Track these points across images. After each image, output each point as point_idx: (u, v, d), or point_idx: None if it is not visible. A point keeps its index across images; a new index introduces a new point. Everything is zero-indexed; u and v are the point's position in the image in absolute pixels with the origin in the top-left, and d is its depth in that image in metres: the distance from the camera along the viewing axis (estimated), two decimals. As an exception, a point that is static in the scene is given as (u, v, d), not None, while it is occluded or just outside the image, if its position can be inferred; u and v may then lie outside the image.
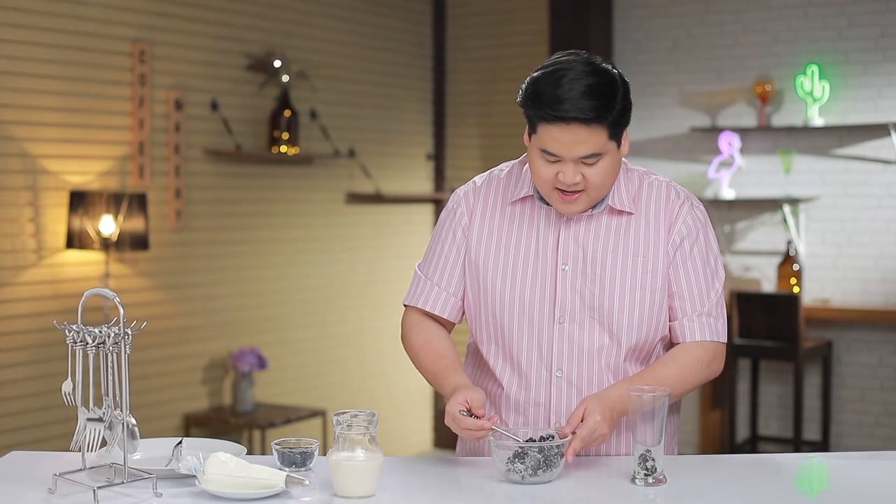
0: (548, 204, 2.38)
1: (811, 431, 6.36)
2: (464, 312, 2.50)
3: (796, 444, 5.99)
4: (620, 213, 2.37)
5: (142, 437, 2.30)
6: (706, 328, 2.38)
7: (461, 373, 2.36)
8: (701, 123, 6.63)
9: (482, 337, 2.45)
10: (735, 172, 6.52)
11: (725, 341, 2.42)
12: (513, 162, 2.50)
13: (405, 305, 2.53)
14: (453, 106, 7.31)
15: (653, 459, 2.11)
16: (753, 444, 6.42)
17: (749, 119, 6.52)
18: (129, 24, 5.23)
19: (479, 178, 2.51)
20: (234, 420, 5.50)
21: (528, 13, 6.98)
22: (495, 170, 2.51)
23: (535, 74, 2.28)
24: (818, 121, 6.24)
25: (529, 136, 2.31)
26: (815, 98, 6.23)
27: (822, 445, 6.20)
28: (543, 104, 2.22)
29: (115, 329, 2.04)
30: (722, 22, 6.57)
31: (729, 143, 6.45)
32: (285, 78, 5.87)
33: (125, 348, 2.03)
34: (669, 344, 2.46)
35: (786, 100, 6.41)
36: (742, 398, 6.53)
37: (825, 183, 6.35)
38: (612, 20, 6.80)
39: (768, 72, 6.45)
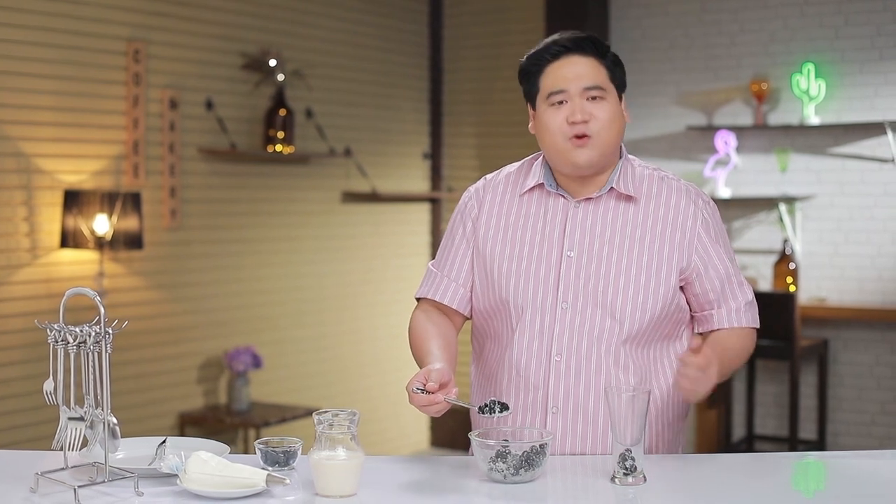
0: (557, 189, 2.44)
1: (808, 430, 6.36)
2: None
3: (792, 443, 5.98)
4: (628, 199, 2.43)
5: (136, 436, 2.31)
6: (749, 315, 2.47)
7: (439, 354, 2.37)
8: (697, 122, 6.62)
9: (487, 322, 2.50)
10: (731, 171, 6.51)
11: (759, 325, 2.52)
12: (524, 159, 2.57)
13: (417, 300, 2.60)
14: (450, 105, 7.30)
15: (632, 458, 2.11)
16: (750, 443, 6.41)
17: (745, 118, 6.51)
18: (124, 24, 5.23)
19: (490, 175, 2.60)
20: (229, 419, 5.50)
21: (525, 12, 6.98)
22: (506, 167, 2.59)
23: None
24: (814, 119, 6.23)
25: (534, 107, 2.45)
26: (811, 97, 6.22)
27: (819, 444, 6.19)
28: (542, 49, 2.42)
29: (97, 328, 2.04)
30: (719, 21, 6.57)
31: (725, 142, 6.44)
32: (280, 77, 5.86)
33: (106, 347, 2.03)
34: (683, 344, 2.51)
35: (782, 98, 6.40)
36: (738, 397, 6.52)
37: (821, 182, 6.34)
38: (608, 20, 6.79)
39: (764, 70, 6.44)
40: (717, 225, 2.47)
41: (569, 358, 2.38)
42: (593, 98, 2.37)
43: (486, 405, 2.23)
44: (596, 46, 2.40)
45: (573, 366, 2.38)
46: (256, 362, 5.65)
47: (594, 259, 2.39)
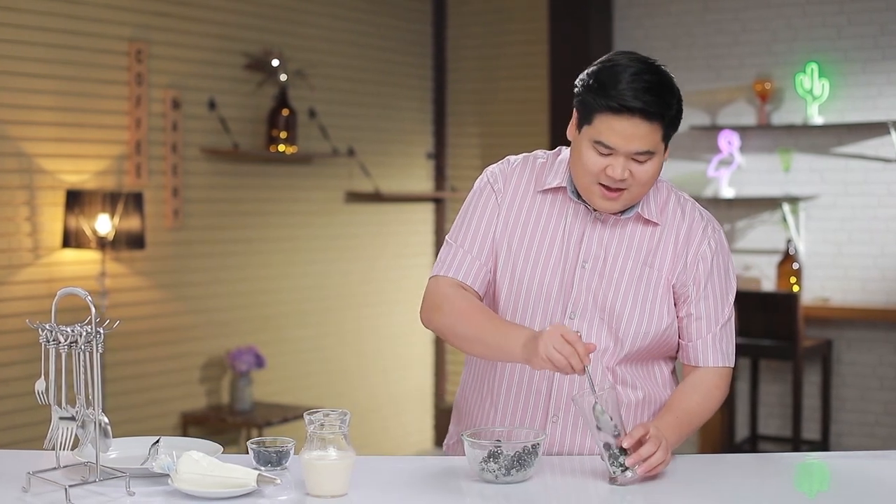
0: (579, 198, 2.37)
1: (811, 431, 6.35)
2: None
3: (796, 443, 5.97)
4: (647, 222, 2.39)
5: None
6: (719, 353, 2.41)
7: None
8: (700, 122, 6.62)
9: None
10: (735, 171, 6.51)
11: (734, 364, 2.45)
12: (548, 152, 2.50)
13: (433, 276, 2.45)
14: (453, 105, 7.30)
15: (625, 454, 2.11)
16: (753, 444, 6.40)
17: (749, 117, 6.50)
18: (126, 24, 5.24)
19: (513, 158, 2.51)
20: (231, 419, 5.50)
21: (528, 12, 6.98)
22: (531, 155, 2.50)
23: (594, 67, 2.29)
24: (818, 119, 6.23)
25: (579, 127, 2.31)
26: (814, 96, 6.22)
27: (822, 445, 6.19)
28: (609, 94, 2.22)
29: (88, 328, 2.04)
30: (721, 21, 6.56)
31: (728, 142, 6.44)
32: (283, 77, 5.87)
33: (97, 347, 2.03)
34: (674, 360, 2.50)
35: (785, 98, 6.40)
36: (741, 397, 6.52)
37: (825, 181, 6.33)
38: (611, 19, 6.79)
39: (768, 70, 6.43)
40: (720, 257, 2.41)
41: None
42: (639, 160, 2.27)
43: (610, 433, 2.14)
44: (660, 108, 2.23)
45: (576, 378, 2.35)
46: (259, 362, 5.66)
47: (606, 275, 2.36)
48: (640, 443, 2.13)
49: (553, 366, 2.12)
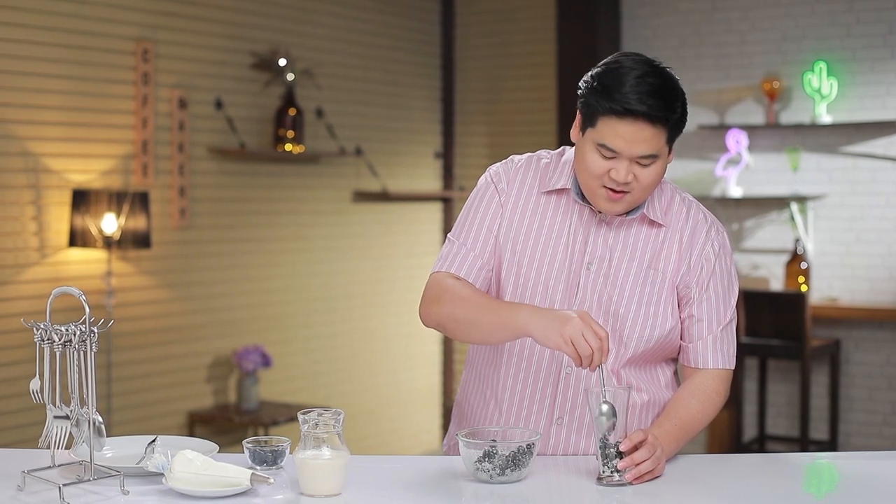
0: (583, 200, 2.36)
1: (819, 431, 6.33)
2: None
3: (804, 443, 5.96)
4: (651, 223, 2.38)
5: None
6: (720, 355, 2.39)
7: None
8: (709, 121, 6.60)
9: None
10: (743, 170, 6.49)
11: (734, 367, 2.43)
12: (552, 152, 2.48)
13: (434, 272, 2.43)
14: (462, 104, 7.30)
15: (620, 456, 2.11)
16: (761, 444, 6.39)
17: (757, 117, 6.48)
18: (133, 23, 5.25)
19: (517, 158, 2.49)
20: (238, 418, 5.51)
21: (536, 11, 6.98)
22: (534, 155, 2.48)
23: (598, 69, 2.26)
24: (826, 118, 6.21)
25: (583, 129, 2.29)
26: (823, 95, 6.20)
27: (831, 445, 6.17)
28: (613, 97, 2.19)
29: (82, 327, 2.04)
30: (729, 19, 6.55)
31: (737, 141, 6.42)
32: (290, 76, 5.87)
33: (91, 346, 2.04)
34: (676, 361, 2.48)
35: (794, 97, 6.38)
36: (749, 397, 6.50)
37: (833, 181, 6.31)
38: (619, 18, 6.78)
39: (776, 69, 6.42)
40: (723, 260, 2.40)
41: (579, 372, 2.35)
42: (643, 164, 2.25)
43: (607, 446, 2.13)
44: (665, 111, 2.20)
45: (582, 380, 2.35)
46: (266, 361, 5.66)
47: (610, 277, 2.35)
48: (636, 448, 2.12)
49: (574, 350, 2.10)
